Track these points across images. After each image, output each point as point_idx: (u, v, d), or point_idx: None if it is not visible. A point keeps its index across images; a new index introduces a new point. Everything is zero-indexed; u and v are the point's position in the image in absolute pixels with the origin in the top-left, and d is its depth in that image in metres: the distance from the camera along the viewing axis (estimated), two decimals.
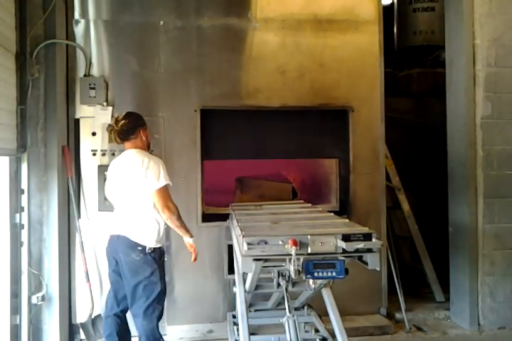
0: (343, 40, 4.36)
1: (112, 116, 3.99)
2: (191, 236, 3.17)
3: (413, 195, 5.38)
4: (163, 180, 3.02)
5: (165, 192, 3.04)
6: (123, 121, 3.14)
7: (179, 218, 3.06)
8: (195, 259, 3.25)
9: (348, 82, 4.36)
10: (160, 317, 3.11)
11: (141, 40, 4.11)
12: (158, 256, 3.08)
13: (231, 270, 3.99)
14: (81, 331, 3.92)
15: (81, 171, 4.01)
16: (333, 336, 3.05)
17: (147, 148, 3.31)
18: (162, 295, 3.10)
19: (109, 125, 3.21)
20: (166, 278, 3.24)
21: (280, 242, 2.27)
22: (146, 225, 3.07)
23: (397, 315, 4.39)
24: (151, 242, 3.05)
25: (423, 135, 5.92)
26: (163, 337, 3.20)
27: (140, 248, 3.02)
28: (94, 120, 4.00)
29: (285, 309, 2.75)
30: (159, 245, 3.11)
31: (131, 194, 3.08)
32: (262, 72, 4.25)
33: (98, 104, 3.99)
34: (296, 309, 3.50)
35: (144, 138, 3.24)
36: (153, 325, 3.05)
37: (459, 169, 4.34)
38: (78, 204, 3.96)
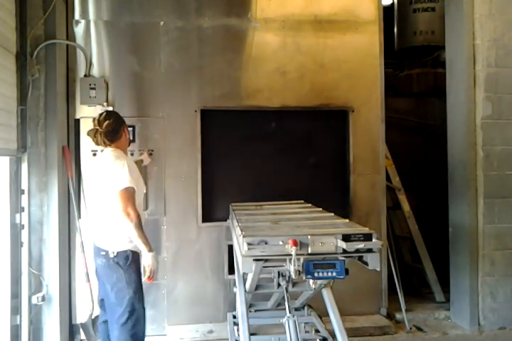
0: (343, 40, 4.36)
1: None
2: (150, 251, 2.84)
3: (413, 195, 5.37)
4: (126, 182, 2.80)
5: (127, 196, 2.79)
6: (107, 122, 2.98)
7: (138, 227, 2.79)
8: (148, 278, 2.87)
9: (348, 83, 4.36)
10: (136, 330, 2.83)
11: (141, 41, 4.11)
12: (123, 260, 2.86)
13: (231, 270, 3.99)
14: (81, 331, 3.92)
15: (81, 171, 4.01)
16: (334, 336, 3.04)
17: (128, 145, 3.23)
18: (135, 303, 2.85)
19: (92, 128, 3.03)
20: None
21: (280, 242, 2.26)
22: (111, 228, 2.91)
23: (398, 316, 4.40)
24: (113, 246, 2.88)
25: (423, 135, 5.91)
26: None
27: (103, 253, 2.89)
28: None
29: (285, 309, 2.73)
30: (125, 248, 2.88)
31: (100, 196, 2.96)
32: (262, 73, 4.26)
33: (98, 105, 3.99)
34: (296, 309, 3.50)
35: (127, 135, 3.14)
36: (124, 338, 2.80)
37: (459, 169, 4.34)
38: (78, 205, 3.95)
